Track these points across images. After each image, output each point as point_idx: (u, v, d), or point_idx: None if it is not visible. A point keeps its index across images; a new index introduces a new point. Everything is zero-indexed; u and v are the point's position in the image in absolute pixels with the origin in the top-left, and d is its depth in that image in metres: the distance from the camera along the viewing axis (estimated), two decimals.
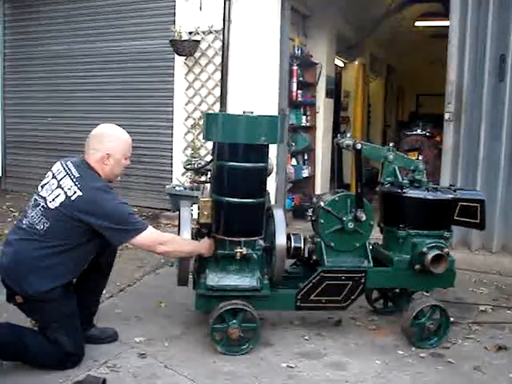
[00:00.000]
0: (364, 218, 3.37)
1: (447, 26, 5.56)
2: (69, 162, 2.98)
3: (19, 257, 2.83)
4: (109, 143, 3.00)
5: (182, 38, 6.47)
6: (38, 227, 2.84)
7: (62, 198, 2.85)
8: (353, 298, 3.41)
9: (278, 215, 3.29)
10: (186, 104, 6.83)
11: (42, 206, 2.88)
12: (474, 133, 5.46)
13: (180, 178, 6.84)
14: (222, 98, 6.27)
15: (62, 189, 2.87)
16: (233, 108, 6.18)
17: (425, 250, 3.34)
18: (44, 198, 2.89)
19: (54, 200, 2.86)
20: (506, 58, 5.33)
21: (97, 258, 3.13)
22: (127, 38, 7.29)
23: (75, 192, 2.83)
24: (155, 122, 7.14)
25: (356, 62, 10.52)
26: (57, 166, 3.00)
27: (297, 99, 7.28)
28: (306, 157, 7.88)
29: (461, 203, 3.53)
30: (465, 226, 3.80)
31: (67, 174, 2.91)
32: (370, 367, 3.11)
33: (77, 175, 2.89)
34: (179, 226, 3.30)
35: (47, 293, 2.83)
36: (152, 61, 7.12)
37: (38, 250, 2.82)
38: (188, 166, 3.76)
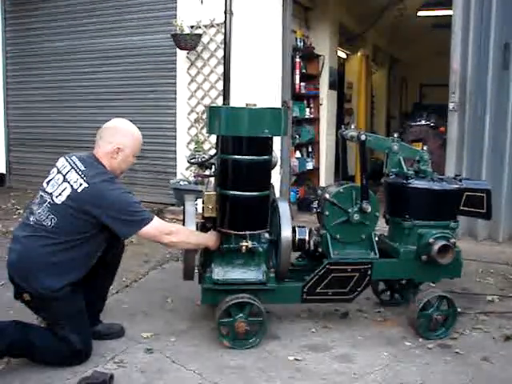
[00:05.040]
0: (369, 210, 3.36)
1: (450, 16, 5.52)
2: (73, 157, 2.98)
3: (28, 254, 2.83)
4: (121, 138, 3.01)
5: (184, 32, 6.46)
6: (45, 223, 2.84)
7: (68, 191, 2.84)
8: (359, 289, 3.40)
9: (283, 208, 3.28)
10: (189, 98, 6.82)
11: (49, 202, 2.87)
12: (479, 122, 5.44)
13: (184, 172, 6.84)
14: (225, 92, 6.25)
15: (68, 182, 2.86)
16: (236, 101, 6.16)
17: (431, 240, 3.32)
18: (50, 194, 2.89)
19: (60, 194, 2.86)
20: (510, 47, 5.30)
21: (104, 255, 3.12)
22: (129, 32, 7.28)
23: (81, 184, 2.83)
24: (158, 117, 7.13)
25: (359, 54, 10.48)
26: (61, 162, 3.00)
27: (300, 91, 7.27)
28: (310, 149, 7.87)
29: (466, 193, 3.51)
30: (471, 215, 3.78)
31: (72, 167, 2.91)
32: (378, 359, 3.10)
33: (82, 168, 2.89)
34: (184, 220, 3.30)
35: (56, 291, 2.82)
36: (154, 55, 7.11)
37: (47, 247, 2.82)
38: (192, 160, 3.73)
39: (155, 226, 2.93)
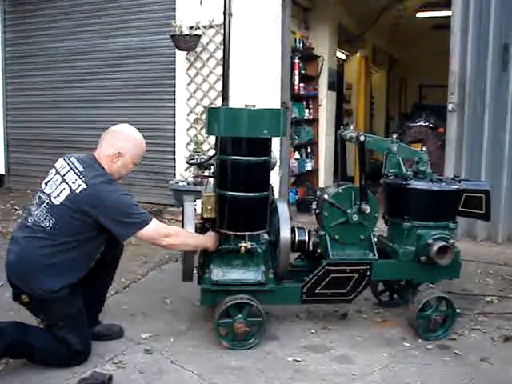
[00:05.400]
0: (368, 211, 3.35)
1: (449, 16, 5.53)
2: (72, 158, 2.98)
3: (26, 255, 2.82)
4: (125, 143, 3.00)
5: (183, 33, 6.46)
6: (43, 224, 2.83)
7: (66, 192, 2.84)
8: (358, 290, 3.40)
9: (282, 209, 3.28)
10: (188, 99, 6.83)
11: (47, 203, 2.86)
12: (478, 123, 5.45)
13: (183, 173, 6.84)
14: (224, 93, 6.25)
15: (67, 183, 2.86)
16: (235, 102, 6.16)
17: (430, 241, 3.33)
18: (48, 195, 2.88)
19: (58, 195, 2.85)
20: (509, 48, 5.31)
21: (103, 256, 3.12)
22: (128, 33, 7.28)
23: (80, 185, 2.83)
24: (157, 118, 7.13)
25: (358, 54, 10.49)
26: (60, 162, 2.99)
27: (299, 92, 7.27)
28: (309, 150, 7.87)
29: (466, 194, 3.51)
30: (470, 216, 3.78)
31: (71, 168, 2.90)
32: (377, 360, 3.10)
33: (81, 169, 2.89)
34: (183, 221, 3.30)
35: (55, 292, 2.81)
36: (153, 56, 7.12)
37: (45, 248, 2.81)
38: (191, 161, 3.74)
39: (153, 228, 2.92)
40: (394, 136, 3.62)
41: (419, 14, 10.22)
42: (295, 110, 7.15)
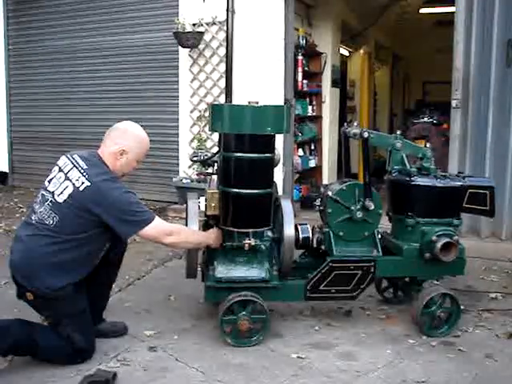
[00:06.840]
0: (372, 207, 3.35)
1: (453, 12, 5.51)
2: (75, 155, 2.97)
3: (30, 253, 2.82)
4: (128, 140, 3.01)
5: (186, 30, 6.45)
6: (47, 222, 2.83)
7: (70, 189, 2.84)
8: (362, 287, 3.39)
9: (286, 206, 3.27)
10: (192, 96, 6.82)
11: (51, 201, 2.86)
12: (482, 119, 5.43)
13: (187, 170, 6.83)
14: (227, 90, 6.25)
15: (70, 181, 2.85)
16: (238, 99, 6.16)
17: (434, 238, 3.32)
18: (52, 193, 2.88)
19: (62, 193, 2.85)
20: None
21: (106, 254, 3.12)
22: (131, 31, 7.29)
23: (83, 182, 2.82)
24: (161, 115, 7.13)
25: (361, 51, 10.47)
26: (63, 160, 2.99)
27: (302, 89, 7.25)
28: (312, 147, 7.85)
29: (470, 190, 3.50)
30: (474, 213, 3.77)
31: (74, 166, 2.90)
32: (381, 356, 3.09)
33: (84, 167, 2.88)
34: (187, 218, 3.30)
35: (59, 290, 2.82)
36: (156, 53, 7.12)
37: (50, 246, 2.81)
38: (194, 158, 3.72)
39: (156, 227, 2.91)
40: (398, 132, 3.62)
41: (422, 10, 10.19)
42: (298, 107, 7.14)
